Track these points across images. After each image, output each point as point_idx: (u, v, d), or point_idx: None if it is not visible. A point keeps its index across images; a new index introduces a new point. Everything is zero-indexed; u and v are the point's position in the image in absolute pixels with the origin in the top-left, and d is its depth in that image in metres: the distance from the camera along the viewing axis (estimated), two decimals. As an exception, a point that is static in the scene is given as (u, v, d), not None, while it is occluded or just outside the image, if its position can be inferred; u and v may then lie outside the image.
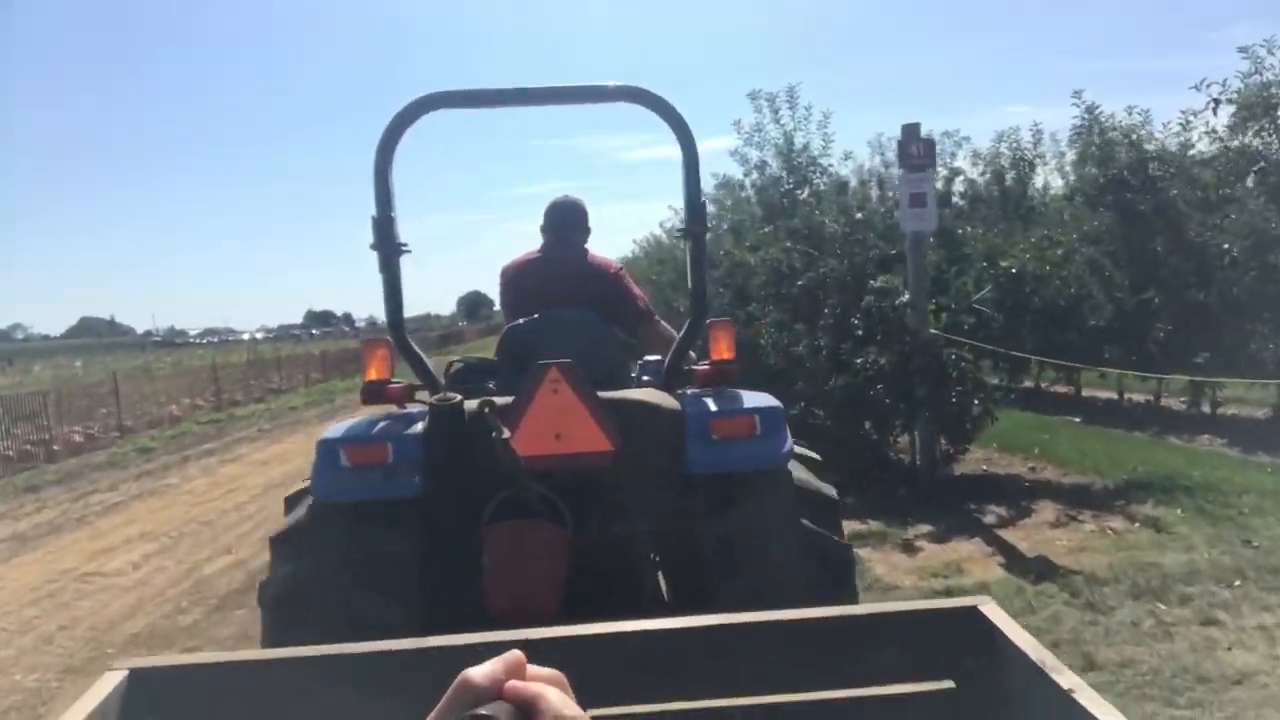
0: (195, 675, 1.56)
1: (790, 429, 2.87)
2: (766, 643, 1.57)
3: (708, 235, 3.39)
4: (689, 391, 3.11)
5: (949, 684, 1.53)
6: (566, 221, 3.61)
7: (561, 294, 3.35)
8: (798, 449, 2.94)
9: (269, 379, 25.94)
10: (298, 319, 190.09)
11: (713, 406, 2.86)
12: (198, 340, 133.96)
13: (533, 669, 0.55)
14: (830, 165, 12.16)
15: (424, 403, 2.94)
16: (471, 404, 2.65)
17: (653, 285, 15.44)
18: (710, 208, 13.37)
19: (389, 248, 2.96)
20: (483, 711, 0.50)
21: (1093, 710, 1.20)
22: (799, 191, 11.63)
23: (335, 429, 2.86)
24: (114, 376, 17.89)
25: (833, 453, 4.60)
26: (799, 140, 11.78)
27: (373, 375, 3.12)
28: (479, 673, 0.53)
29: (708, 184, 13.93)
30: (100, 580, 6.64)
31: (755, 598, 2.00)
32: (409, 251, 3.01)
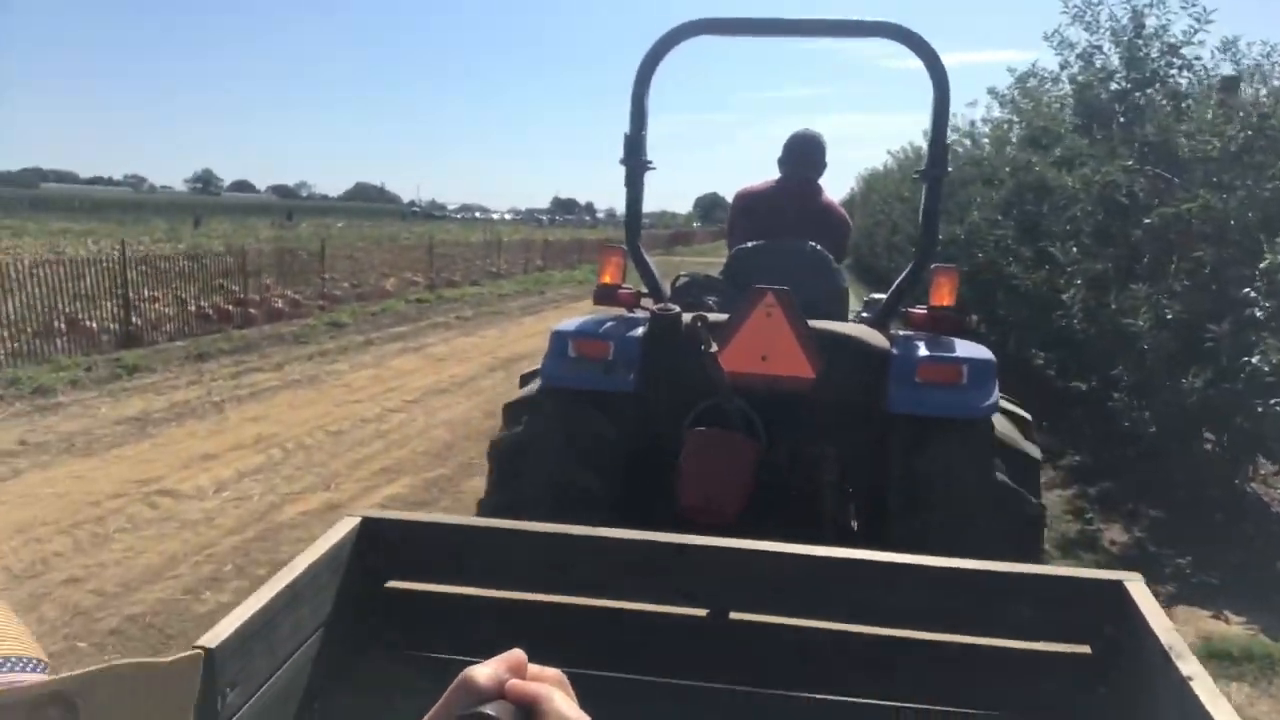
0: (420, 531, 1.83)
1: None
2: (910, 584, 1.68)
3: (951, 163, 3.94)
4: (901, 333, 3.19)
5: (1085, 649, 1.64)
6: (805, 156, 3.72)
7: (791, 227, 3.49)
8: (1007, 405, 3.02)
9: (491, 262, 25.55)
10: (545, 204, 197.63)
11: (922, 350, 2.94)
12: (453, 215, 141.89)
13: (535, 669, 0.55)
14: (1197, 59, 8.44)
15: (647, 310, 3.18)
16: (687, 317, 2.86)
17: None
18: (996, 111, 10.64)
19: (636, 163, 3.29)
20: (485, 710, 0.50)
21: (1205, 700, 1.25)
22: (1140, 94, 8.28)
23: (568, 323, 3.13)
24: (322, 244, 17.51)
25: (1146, 473, 4.31)
26: (1151, 21, 8.30)
27: (606, 279, 3.42)
28: (481, 672, 0.52)
29: (1002, 81, 11.23)
30: (164, 505, 5.37)
31: (936, 541, 2.02)
32: (654, 168, 3.34)
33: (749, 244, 3.47)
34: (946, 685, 1.75)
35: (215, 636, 1.33)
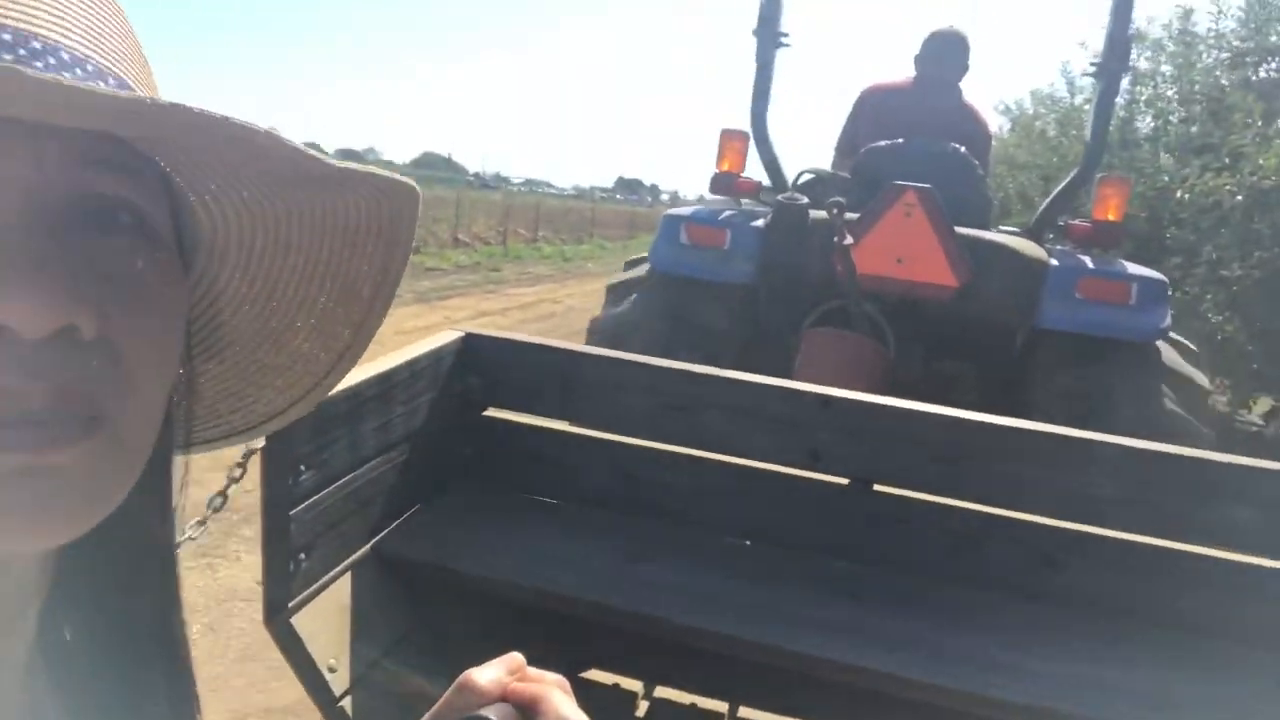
0: (527, 354, 1.66)
1: None
2: (1093, 465, 1.41)
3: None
4: (1060, 247, 2.99)
5: None
6: (945, 55, 3.39)
7: (930, 129, 3.16)
8: (1175, 335, 2.80)
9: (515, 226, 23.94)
10: (609, 183, 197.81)
11: (1086, 264, 2.73)
12: (517, 187, 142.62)
13: (535, 671, 0.54)
14: None
15: (769, 202, 2.94)
16: (818, 211, 2.68)
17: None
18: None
19: (769, 34, 3.10)
20: (484, 713, 0.50)
21: None
22: None
23: (682, 209, 2.98)
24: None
25: None
26: None
27: (725, 166, 3.19)
28: (481, 674, 0.52)
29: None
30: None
31: None
32: (789, 45, 3.13)
33: (882, 143, 3.17)
34: (1127, 596, 1.45)
35: None
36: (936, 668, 1.28)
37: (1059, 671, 1.28)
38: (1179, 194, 5.44)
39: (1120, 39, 2.89)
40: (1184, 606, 1.41)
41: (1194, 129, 6.04)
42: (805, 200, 2.80)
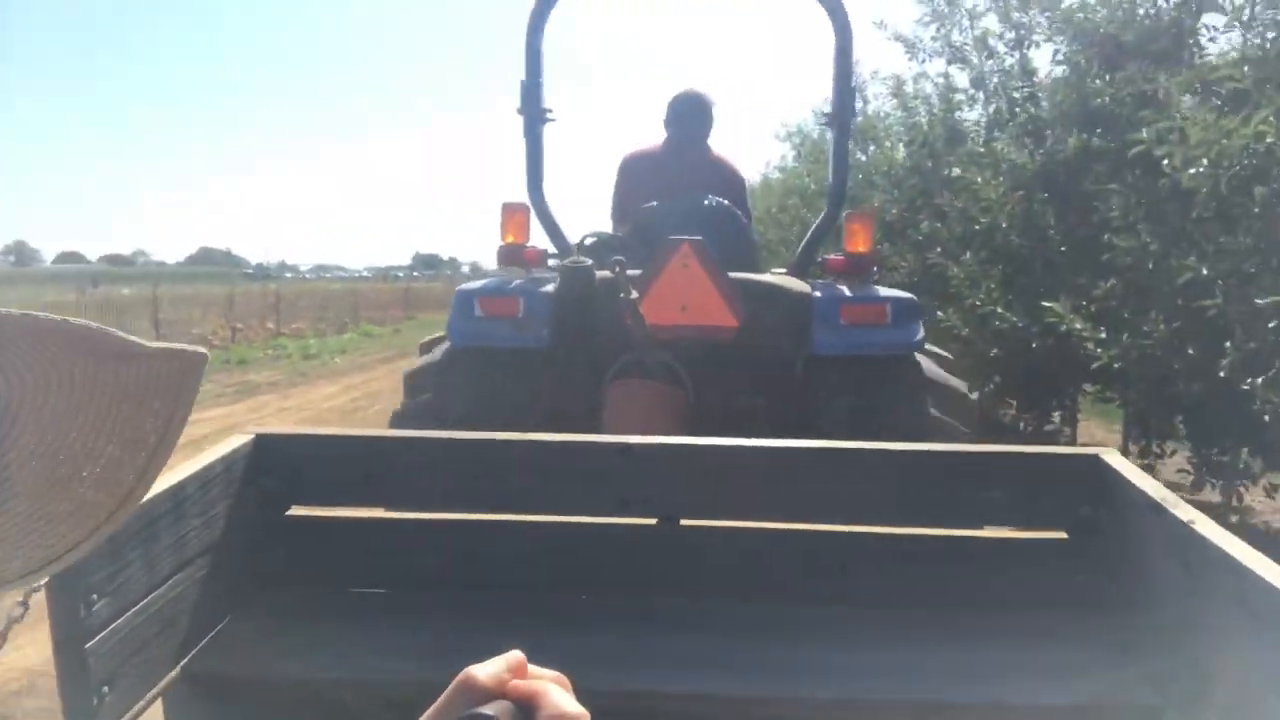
0: (326, 447, 1.68)
1: None
2: (871, 472, 1.57)
3: None
4: (820, 280, 3.23)
5: (1061, 534, 1.55)
6: (689, 115, 3.61)
7: (685, 186, 3.37)
8: (930, 347, 3.03)
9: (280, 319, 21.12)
10: (406, 260, 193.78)
11: (845, 292, 2.98)
12: (309, 275, 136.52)
13: (535, 669, 0.55)
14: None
15: (556, 266, 3.06)
16: (602, 269, 2.82)
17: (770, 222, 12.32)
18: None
19: (533, 112, 3.21)
20: (484, 710, 0.50)
21: (1213, 538, 1.18)
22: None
23: (474, 283, 3.08)
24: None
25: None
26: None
27: (510, 239, 3.28)
28: (481, 671, 0.53)
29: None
30: None
31: None
32: (554, 120, 3.24)
33: (652, 203, 3.38)
34: (915, 583, 1.62)
35: None
36: (755, 680, 1.38)
37: (861, 663, 1.41)
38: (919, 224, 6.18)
39: (845, 92, 3.17)
40: (952, 585, 1.58)
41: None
42: (590, 262, 2.91)
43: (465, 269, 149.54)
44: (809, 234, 3.40)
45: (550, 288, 2.92)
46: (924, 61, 6.73)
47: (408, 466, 1.66)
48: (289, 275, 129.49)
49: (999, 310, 4.71)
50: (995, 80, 5.88)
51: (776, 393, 2.95)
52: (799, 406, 2.93)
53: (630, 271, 2.84)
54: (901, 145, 7.45)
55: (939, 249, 5.63)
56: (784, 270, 3.44)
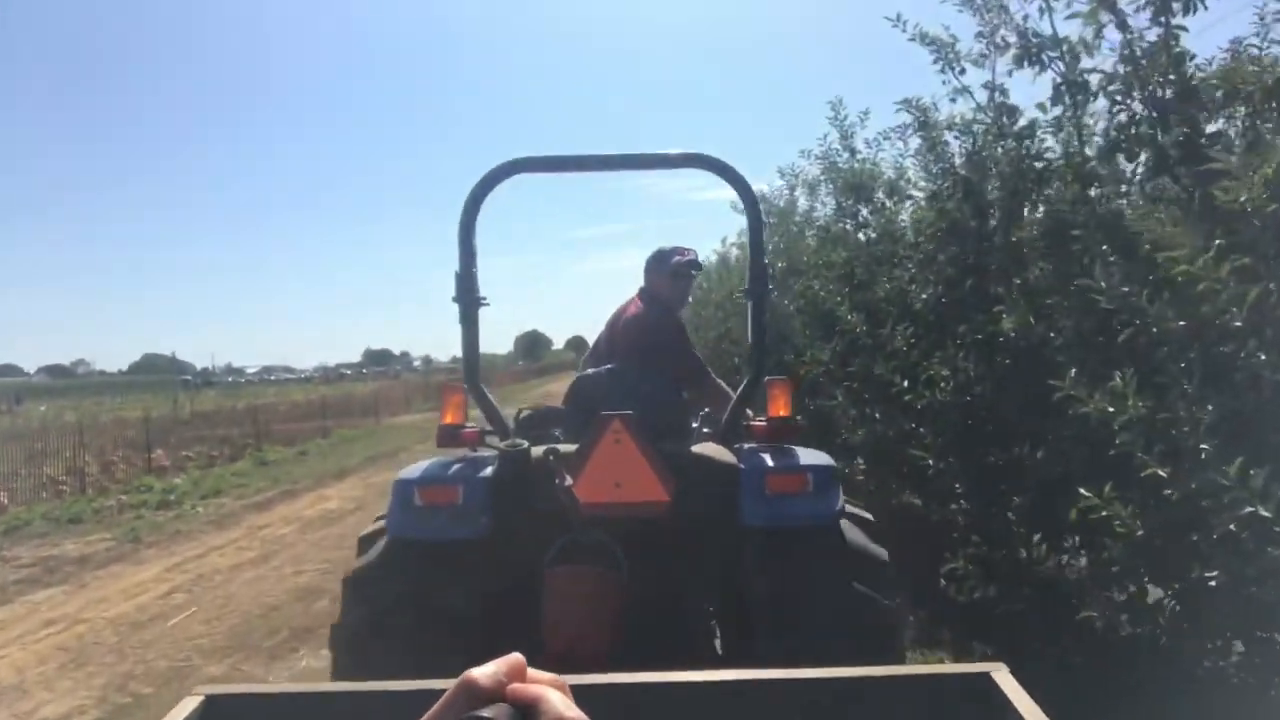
0: (268, 704, 1.59)
1: None
2: (776, 699, 1.57)
3: None
4: (746, 447, 3.18)
5: None
6: (647, 271, 3.89)
7: (622, 351, 3.68)
8: (852, 509, 3.01)
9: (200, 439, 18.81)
10: (357, 357, 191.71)
11: (768, 462, 2.97)
12: (254, 378, 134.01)
13: (534, 672, 0.55)
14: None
15: (494, 447, 3.05)
16: (537, 451, 2.84)
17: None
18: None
19: (470, 300, 3.18)
20: (484, 713, 0.50)
21: None
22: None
23: (413, 469, 3.03)
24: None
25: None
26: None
27: (449, 419, 3.32)
28: (481, 674, 0.52)
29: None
30: None
31: (800, 654, 1.88)
32: (487, 305, 3.24)
33: (590, 370, 3.47)
34: None
35: None
36: None
37: None
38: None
39: (759, 266, 3.19)
40: None
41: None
42: (525, 445, 2.91)
43: (416, 364, 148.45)
44: (733, 403, 3.36)
45: (489, 471, 2.91)
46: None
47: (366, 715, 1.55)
48: (230, 380, 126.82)
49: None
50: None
51: (709, 566, 2.95)
52: (732, 580, 2.93)
53: (569, 447, 2.86)
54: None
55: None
56: (706, 428, 3.48)
